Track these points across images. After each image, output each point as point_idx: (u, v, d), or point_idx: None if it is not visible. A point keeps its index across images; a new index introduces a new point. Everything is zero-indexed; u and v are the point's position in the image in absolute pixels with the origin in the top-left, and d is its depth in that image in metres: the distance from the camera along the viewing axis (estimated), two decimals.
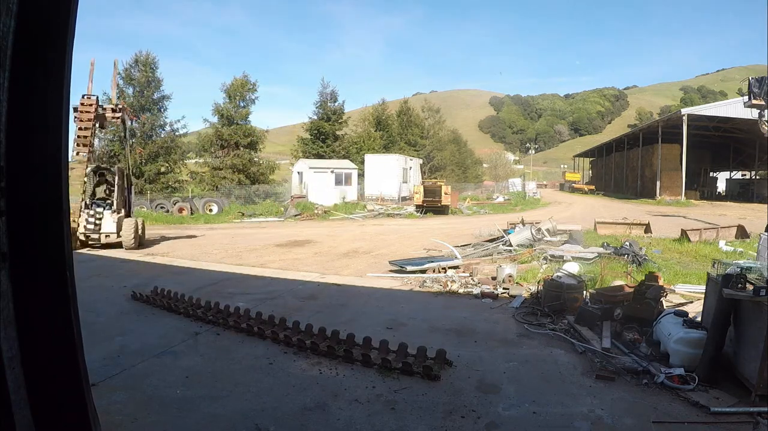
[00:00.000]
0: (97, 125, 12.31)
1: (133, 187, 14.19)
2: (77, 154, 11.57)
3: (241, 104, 33.04)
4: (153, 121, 25.61)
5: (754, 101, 9.96)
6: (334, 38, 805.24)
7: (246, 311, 5.59)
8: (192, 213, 22.35)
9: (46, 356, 1.16)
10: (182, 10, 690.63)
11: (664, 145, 37.99)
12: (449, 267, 8.69)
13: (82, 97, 11.70)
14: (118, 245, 11.90)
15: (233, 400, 3.68)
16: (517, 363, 4.48)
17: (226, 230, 16.55)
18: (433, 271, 8.47)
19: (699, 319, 4.74)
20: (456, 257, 9.30)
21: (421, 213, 23.24)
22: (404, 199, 30.74)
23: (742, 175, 51.06)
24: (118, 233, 11.86)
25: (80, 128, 11.59)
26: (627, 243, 9.75)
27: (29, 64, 1.07)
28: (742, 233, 12.75)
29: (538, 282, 6.78)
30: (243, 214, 22.37)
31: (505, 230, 12.75)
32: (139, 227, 12.31)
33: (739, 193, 43.61)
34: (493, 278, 7.79)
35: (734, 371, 3.92)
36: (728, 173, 50.95)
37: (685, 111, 35.10)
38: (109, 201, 12.43)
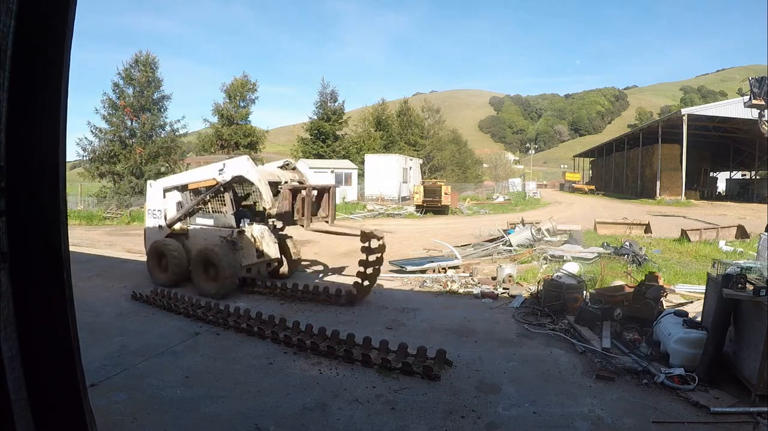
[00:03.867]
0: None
1: None
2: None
3: (242, 104, 32.96)
4: (153, 121, 25.46)
5: (754, 101, 9.95)
6: (335, 38, 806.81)
7: (246, 311, 5.60)
8: None
9: (45, 356, 1.16)
10: (183, 9, 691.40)
11: (664, 145, 37.96)
12: (449, 267, 8.68)
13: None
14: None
15: (233, 400, 3.68)
16: (517, 363, 4.48)
17: None
18: (433, 271, 8.47)
19: (699, 319, 4.74)
20: (456, 257, 9.29)
21: (421, 213, 23.21)
22: (404, 199, 30.71)
23: (742, 175, 51.02)
24: (284, 257, 8.15)
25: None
26: (627, 243, 9.77)
27: (29, 64, 1.07)
28: (742, 233, 12.75)
29: (538, 282, 6.78)
30: None
31: (505, 230, 12.75)
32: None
33: (739, 193, 43.60)
34: (493, 278, 7.79)
35: (734, 371, 3.92)
36: (728, 173, 50.92)
37: (685, 111, 35.05)
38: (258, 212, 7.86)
